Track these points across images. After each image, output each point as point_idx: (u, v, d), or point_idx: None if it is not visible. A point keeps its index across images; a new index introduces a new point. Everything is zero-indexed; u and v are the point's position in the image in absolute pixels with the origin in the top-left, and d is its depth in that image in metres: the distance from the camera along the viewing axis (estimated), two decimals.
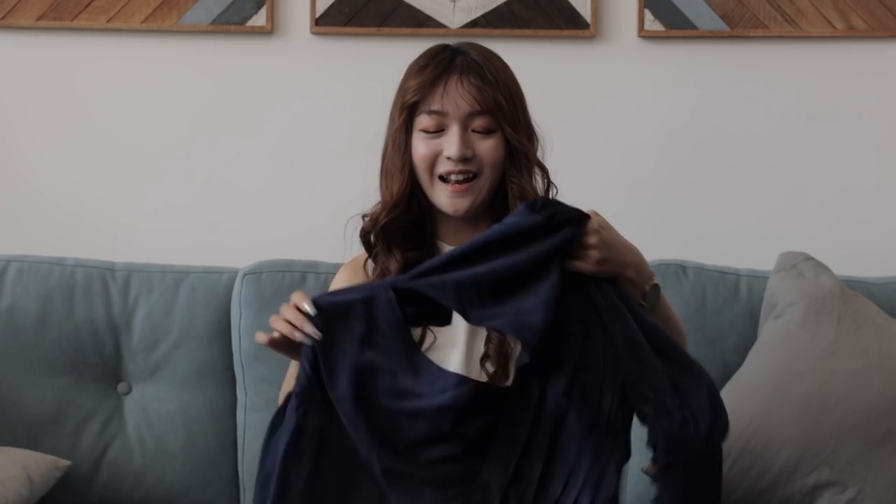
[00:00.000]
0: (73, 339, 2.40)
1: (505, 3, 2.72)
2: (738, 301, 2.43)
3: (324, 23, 2.73)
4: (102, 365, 2.42)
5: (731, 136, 2.77)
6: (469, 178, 1.86)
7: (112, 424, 2.41)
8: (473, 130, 1.86)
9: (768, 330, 2.34)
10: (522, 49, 2.70)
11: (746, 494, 2.19)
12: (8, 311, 2.40)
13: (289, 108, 2.78)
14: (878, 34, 2.73)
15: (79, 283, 2.43)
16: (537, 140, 1.92)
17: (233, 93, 2.78)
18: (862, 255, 2.68)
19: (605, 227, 1.68)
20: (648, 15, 2.72)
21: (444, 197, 1.87)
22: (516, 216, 1.64)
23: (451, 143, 1.84)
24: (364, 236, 1.92)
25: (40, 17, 2.73)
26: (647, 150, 2.77)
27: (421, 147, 1.87)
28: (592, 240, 1.66)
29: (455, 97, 1.84)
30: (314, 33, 2.75)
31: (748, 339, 2.38)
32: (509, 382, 1.69)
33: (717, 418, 1.64)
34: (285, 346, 1.66)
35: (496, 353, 1.82)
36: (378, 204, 1.91)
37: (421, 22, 2.73)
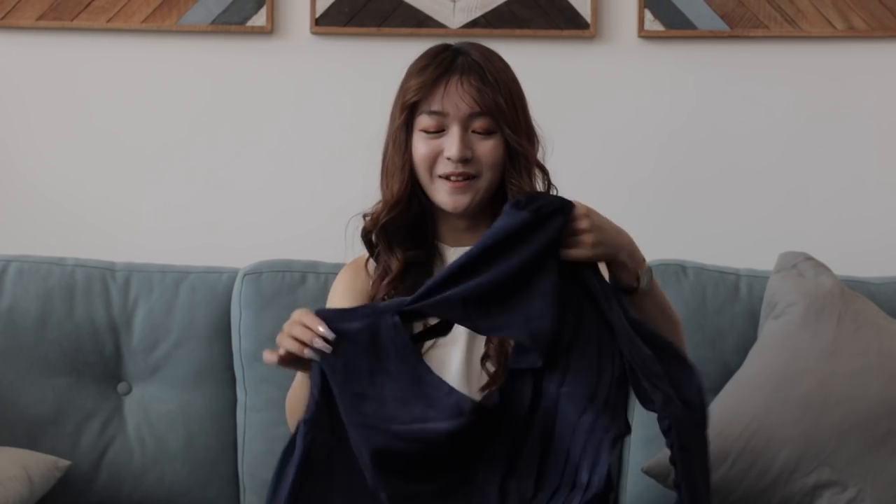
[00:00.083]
0: (73, 339, 2.40)
1: (505, 3, 2.72)
2: (738, 301, 2.43)
3: (324, 23, 2.73)
4: (102, 365, 2.42)
5: (731, 136, 2.77)
6: (468, 178, 1.86)
7: (112, 424, 2.40)
8: (473, 131, 1.86)
9: (768, 330, 2.34)
10: (522, 49, 2.70)
11: (746, 494, 2.19)
12: (8, 311, 2.40)
13: (289, 108, 2.78)
14: (878, 34, 2.73)
15: (79, 283, 2.43)
16: (538, 141, 1.92)
17: (233, 93, 2.78)
18: (862, 255, 2.68)
19: (591, 211, 1.67)
20: (648, 15, 2.72)
21: (444, 194, 1.87)
22: (504, 217, 1.63)
23: (451, 144, 1.84)
24: (365, 236, 1.92)
25: (40, 17, 2.73)
26: (647, 150, 2.77)
27: (421, 147, 1.87)
28: (583, 224, 1.65)
29: (456, 98, 1.84)
30: (314, 33, 2.75)
31: (748, 339, 2.38)
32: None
33: (706, 409, 1.67)
34: (293, 362, 1.64)
35: (496, 352, 1.82)
36: (379, 203, 1.92)
37: (421, 22, 2.73)
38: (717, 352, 2.38)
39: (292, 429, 1.68)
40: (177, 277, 2.45)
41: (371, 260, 1.94)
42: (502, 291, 1.60)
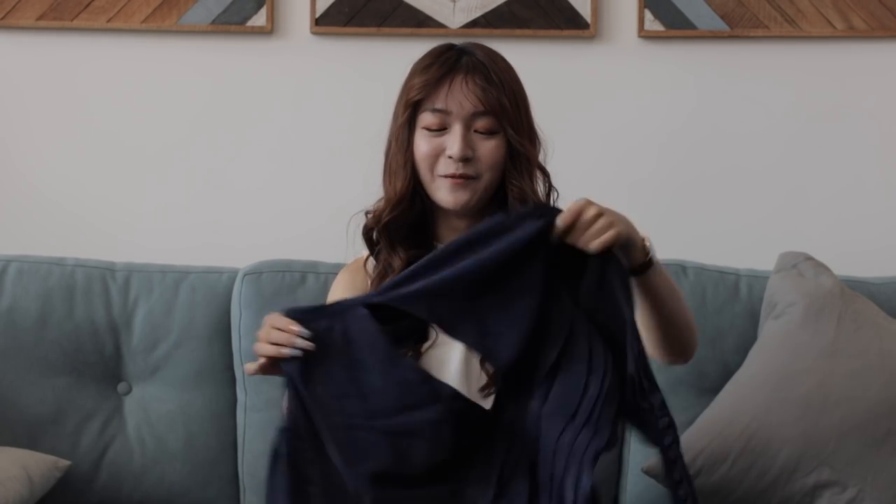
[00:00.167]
0: (73, 339, 2.40)
1: (505, 3, 2.72)
2: (738, 301, 2.43)
3: (324, 23, 2.73)
4: (102, 365, 2.42)
5: (731, 136, 2.77)
6: (468, 178, 1.86)
7: (112, 424, 2.40)
8: (476, 131, 1.85)
9: (768, 330, 2.34)
10: (522, 49, 2.70)
11: (746, 494, 2.19)
12: (8, 311, 2.40)
13: (289, 108, 2.78)
14: (878, 34, 2.73)
15: (79, 283, 2.43)
16: (540, 143, 1.92)
17: (233, 93, 2.78)
18: (862, 255, 2.68)
19: (590, 200, 1.66)
20: (648, 15, 2.72)
21: (444, 192, 1.86)
22: (484, 221, 1.65)
23: (453, 143, 1.84)
24: (367, 233, 1.92)
25: (40, 17, 2.73)
26: (647, 150, 2.77)
27: (423, 145, 1.87)
28: (591, 211, 1.63)
29: (459, 97, 1.84)
30: (314, 33, 2.75)
31: (748, 339, 2.38)
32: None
33: None
34: (274, 367, 1.64)
35: None
36: (381, 200, 1.91)
37: (421, 22, 2.73)
38: (717, 352, 2.39)
39: None
40: (177, 277, 2.45)
41: (370, 260, 1.94)
42: (470, 290, 1.60)
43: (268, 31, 2.74)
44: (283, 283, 2.42)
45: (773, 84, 2.76)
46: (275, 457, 1.59)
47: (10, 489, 2.10)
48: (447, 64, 1.86)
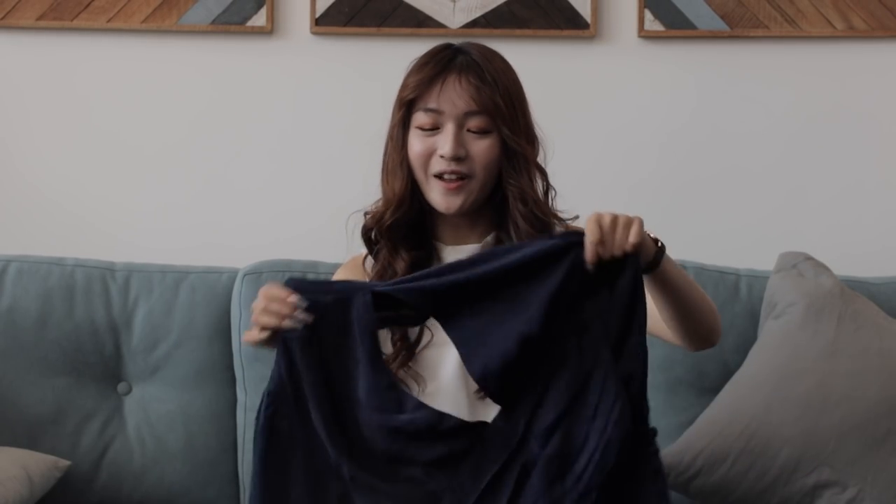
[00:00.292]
0: (73, 339, 2.40)
1: (505, 3, 2.72)
2: (738, 301, 2.43)
3: (324, 23, 2.73)
4: (102, 365, 2.42)
5: (731, 136, 2.77)
6: (461, 177, 1.85)
7: (112, 424, 2.41)
8: (469, 130, 1.85)
9: (768, 330, 2.34)
10: (522, 49, 2.70)
11: (746, 494, 2.19)
12: (8, 311, 2.40)
13: (289, 108, 2.78)
14: (878, 34, 2.73)
15: (79, 283, 2.43)
16: (538, 143, 1.91)
17: (233, 93, 2.78)
18: (862, 255, 2.68)
19: (594, 213, 1.62)
20: (648, 15, 2.72)
21: (437, 195, 1.86)
22: (538, 238, 1.64)
23: (444, 142, 1.84)
24: (366, 233, 1.92)
25: (40, 17, 2.73)
26: (647, 150, 2.77)
27: (416, 144, 1.86)
28: (605, 217, 1.59)
29: (452, 96, 1.84)
30: (314, 33, 2.75)
31: (748, 338, 2.38)
32: (489, 419, 1.63)
33: None
34: (274, 338, 1.63)
35: None
36: (379, 201, 1.91)
37: (421, 22, 2.73)
38: (717, 352, 2.38)
39: None
40: (177, 277, 2.45)
41: (369, 257, 1.94)
42: (479, 299, 1.59)
43: (268, 31, 2.74)
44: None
45: (772, 84, 2.76)
46: (259, 420, 1.60)
47: (10, 489, 2.10)
48: (441, 63, 1.86)
